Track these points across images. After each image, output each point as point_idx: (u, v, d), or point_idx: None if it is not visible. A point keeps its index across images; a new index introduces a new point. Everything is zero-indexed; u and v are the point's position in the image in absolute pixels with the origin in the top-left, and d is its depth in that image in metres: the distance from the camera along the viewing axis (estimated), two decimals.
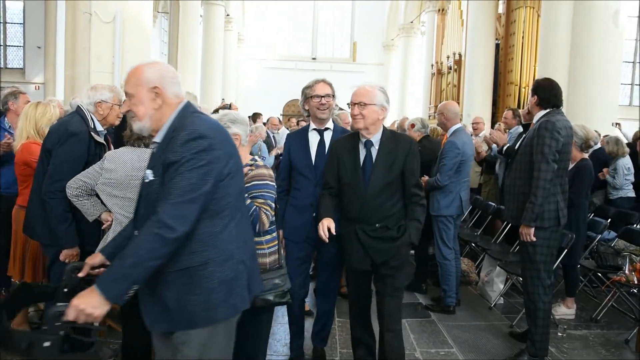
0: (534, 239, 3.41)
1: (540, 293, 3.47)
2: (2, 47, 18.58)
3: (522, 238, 3.46)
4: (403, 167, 2.75)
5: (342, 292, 4.35)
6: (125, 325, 2.81)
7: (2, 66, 18.20)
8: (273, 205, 2.59)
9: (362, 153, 2.81)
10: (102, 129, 3.15)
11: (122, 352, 2.78)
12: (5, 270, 3.64)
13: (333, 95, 3.19)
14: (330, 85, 3.19)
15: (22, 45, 18.14)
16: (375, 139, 2.79)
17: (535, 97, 3.52)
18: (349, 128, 4.04)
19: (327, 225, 2.66)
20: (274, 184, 2.64)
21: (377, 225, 2.74)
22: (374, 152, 2.81)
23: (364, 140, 2.81)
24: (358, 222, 2.77)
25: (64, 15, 8.65)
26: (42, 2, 16.38)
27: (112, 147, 3.29)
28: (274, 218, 2.63)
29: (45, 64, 16.88)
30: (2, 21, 18.56)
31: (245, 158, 2.57)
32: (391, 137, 2.82)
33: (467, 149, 4.47)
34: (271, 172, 2.65)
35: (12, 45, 18.57)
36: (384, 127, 2.84)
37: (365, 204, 2.74)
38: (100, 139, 3.07)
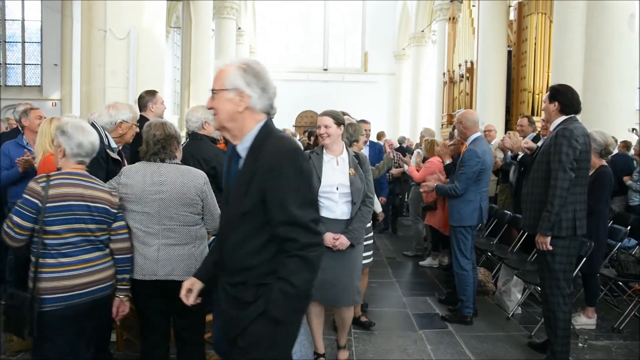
0: (550, 248, 3.37)
1: (559, 303, 3.42)
2: (22, 65, 18.95)
3: (538, 247, 3.42)
4: (264, 192, 1.74)
5: (362, 320, 4.34)
6: (143, 338, 2.82)
7: (21, 84, 18.57)
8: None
9: (233, 170, 1.94)
10: (116, 146, 3.22)
11: None
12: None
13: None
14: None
15: (39, 63, 18.53)
16: (243, 146, 1.85)
17: (556, 103, 3.48)
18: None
19: None
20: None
21: (236, 279, 1.85)
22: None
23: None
24: (222, 270, 1.95)
25: (79, 33, 8.79)
26: (58, 21, 16.72)
27: (126, 162, 3.34)
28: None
29: (61, 80, 17.20)
30: (20, 41, 18.93)
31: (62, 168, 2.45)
32: (259, 145, 1.80)
33: (487, 157, 4.40)
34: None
35: (30, 64, 18.97)
36: (264, 127, 1.83)
37: (223, 243, 1.91)
38: (115, 156, 3.12)
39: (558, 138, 3.35)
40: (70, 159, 2.44)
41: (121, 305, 2.58)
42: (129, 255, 2.57)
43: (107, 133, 3.17)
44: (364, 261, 3.81)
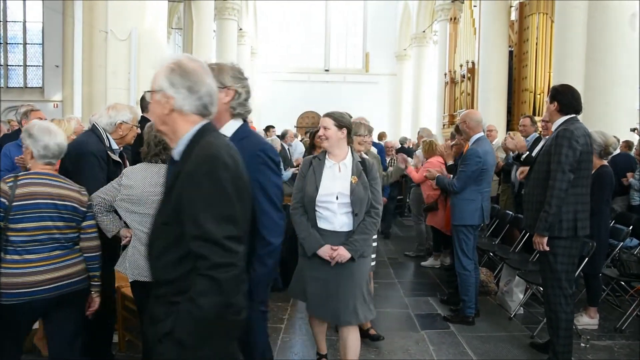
0: (547, 249, 3.38)
1: (562, 303, 3.42)
2: (23, 67, 19.01)
3: (535, 247, 3.42)
4: (181, 201, 1.57)
5: (371, 333, 4.06)
6: (146, 339, 2.82)
7: (22, 85, 18.63)
8: None
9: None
10: (117, 148, 3.22)
11: None
12: None
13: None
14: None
15: (41, 64, 18.59)
16: (177, 150, 1.71)
17: (556, 103, 3.48)
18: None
19: None
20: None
21: (157, 291, 1.70)
22: None
23: None
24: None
25: (81, 34, 8.83)
26: (60, 23, 16.77)
27: (127, 164, 3.35)
28: None
29: (63, 82, 17.28)
30: (22, 42, 18.98)
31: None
32: (190, 150, 1.64)
33: (489, 158, 4.39)
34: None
35: (31, 65, 19.03)
36: (199, 130, 1.68)
37: (147, 252, 1.77)
38: (116, 157, 3.12)
39: (558, 139, 3.34)
40: (38, 160, 2.52)
41: (92, 301, 2.63)
42: (97, 254, 2.62)
43: (108, 135, 3.17)
44: None
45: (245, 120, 2.29)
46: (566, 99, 3.47)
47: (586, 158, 3.40)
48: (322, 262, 3.03)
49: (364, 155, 3.10)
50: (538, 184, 3.47)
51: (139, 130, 3.34)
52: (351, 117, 3.43)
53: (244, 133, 2.22)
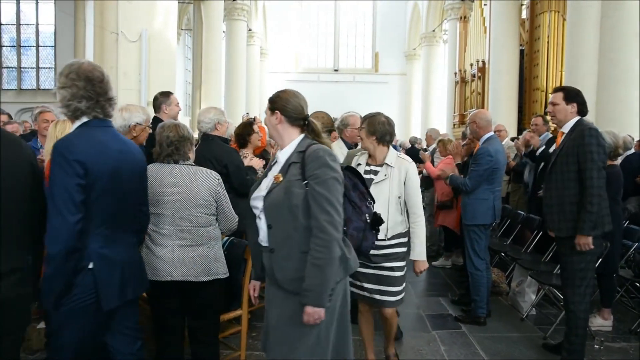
0: (593, 247, 3.34)
1: (581, 302, 3.40)
2: (36, 69, 19.21)
3: (581, 249, 3.35)
4: None
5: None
6: (158, 338, 2.84)
7: (35, 87, 18.83)
8: None
9: None
10: None
11: None
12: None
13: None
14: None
15: (53, 67, 18.77)
16: None
17: (575, 105, 3.48)
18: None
19: None
20: None
21: None
22: None
23: None
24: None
25: (92, 36, 8.89)
26: (72, 25, 16.92)
27: None
28: None
29: None
30: (34, 45, 19.17)
31: None
32: None
33: (500, 157, 4.38)
34: None
35: (44, 67, 19.21)
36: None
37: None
38: None
39: (586, 138, 3.31)
40: None
41: None
42: None
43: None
44: (391, 298, 3.17)
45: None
46: (583, 100, 3.50)
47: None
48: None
49: (321, 146, 2.14)
50: (564, 185, 3.40)
51: (151, 131, 3.36)
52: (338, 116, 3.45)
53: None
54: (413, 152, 9.72)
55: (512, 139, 7.69)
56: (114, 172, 2.09)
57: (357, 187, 2.43)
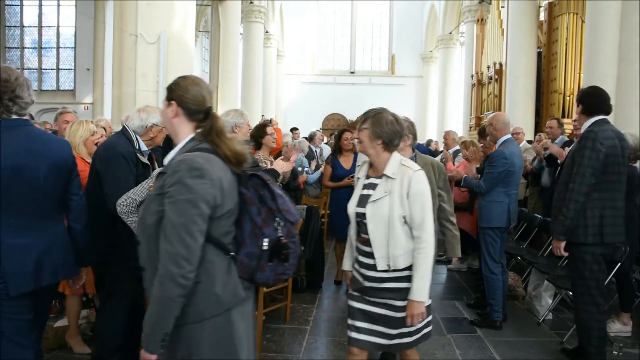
0: (565, 254, 3.33)
1: (592, 311, 3.35)
2: (56, 70, 19.55)
3: (554, 252, 3.36)
4: None
5: None
6: None
7: (55, 88, 19.16)
8: None
9: None
10: (147, 149, 3.28)
11: None
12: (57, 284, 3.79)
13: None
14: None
15: (73, 68, 19.09)
16: None
17: (581, 106, 3.45)
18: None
19: None
20: None
21: None
22: None
23: None
24: None
25: (111, 38, 9.01)
26: (91, 27, 17.20)
27: (156, 165, 3.41)
28: None
29: (94, 84, 17.72)
30: (55, 46, 19.50)
31: None
32: None
33: (516, 160, 4.35)
34: None
35: (64, 69, 19.55)
36: None
37: None
38: (145, 159, 3.19)
39: (582, 141, 3.29)
40: None
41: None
42: None
43: (137, 137, 3.23)
44: (405, 340, 2.56)
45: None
46: (590, 100, 3.42)
47: (614, 161, 3.30)
48: None
49: (191, 155, 1.74)
50: (563, 189, 3.40)
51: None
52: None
53: None
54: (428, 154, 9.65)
55: (529, 142, 7.62)
56: (17, 169, 2.20)
57: (265, 202, 1.83)
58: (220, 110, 14.26)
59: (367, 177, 2.64)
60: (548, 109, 11.49)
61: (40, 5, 19.53)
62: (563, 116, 10.18)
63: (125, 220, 2.82)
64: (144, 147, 3.26)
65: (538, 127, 11.41)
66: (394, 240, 2.45)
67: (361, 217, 2.53)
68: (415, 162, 3.03)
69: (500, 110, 12.35)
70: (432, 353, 3.92)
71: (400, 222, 2.45)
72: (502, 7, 13.65)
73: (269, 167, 4.34)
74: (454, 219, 3.52)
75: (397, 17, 24.69)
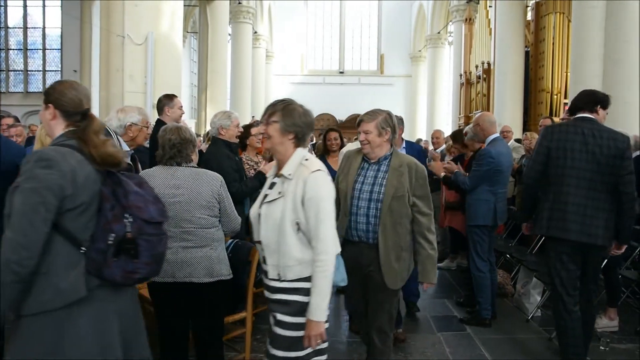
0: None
1: (559, 309, 3.37)
2: (42, 72, 19.36)
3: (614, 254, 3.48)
4: None
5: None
6: (163, 339, 2.85)
7: (42, 90, 18.97)
8: None
9: None
10: (129, 150, 3.27)
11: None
12: None
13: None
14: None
15: (59, 69, 18.90)
16: None
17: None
18: None
19: None
20: None
21: None
22: None
23: None
24: None
25: (98, 39, 8.94)
26: (78, 28, 17.03)
27: (139, 166, 3.40)
28: None
29: None
30: (41, 48, 19.32)
31: None
32: None
33: (503, 159, 4.36)
34: None
35: (50, 70, 19.35)
36: None
37: None
38: (127, 160, 3.17)
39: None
40: None
41: None
42: None
43: (119, 137, 3.22)
44: None
45: None
46: (576, 99, 3.51)
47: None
48: None
49: (46, 149, 1.84)
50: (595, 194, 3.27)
51: (149, 132, 3.39)
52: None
53: None
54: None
55: (517, 141, 7.67)
56: None
57: (118, 199, 1.83)
58: (209, 111, 14.22)
59: (275, 175, 2.37)
60: (536, 107, 11.57)
61: (25, 6, 19.32)
62: (551, 114, 10.27)
63: None
64: (125, 147, 3.25)
65: (526, 126, 11.50)
66: (284, 248, 2.18)
67: (257, 218, 2.30)
68: (391, 159, 2.92)
69: (489, 109, 12.43)
70: (422, 352, 3.94)
71: (293, 228, 2.17)
72: (489, 6, 13.74)
73: (254, 168, 4.32)
74: (431, 236, 2.90)
75: (386, 17, 24.75)
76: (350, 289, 2.86)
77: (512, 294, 5.27)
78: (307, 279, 2.18)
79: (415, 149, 4.90)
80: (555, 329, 3.46)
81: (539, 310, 4.73)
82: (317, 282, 2.15)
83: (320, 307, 2.15)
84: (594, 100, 3.45)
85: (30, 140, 5.35)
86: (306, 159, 2.26)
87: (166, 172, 2.72)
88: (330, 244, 2.18)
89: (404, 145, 4.53)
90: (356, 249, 2.89)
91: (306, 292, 2.18)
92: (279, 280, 2.22)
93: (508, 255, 5.68)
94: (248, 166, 4.40)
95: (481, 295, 4.44)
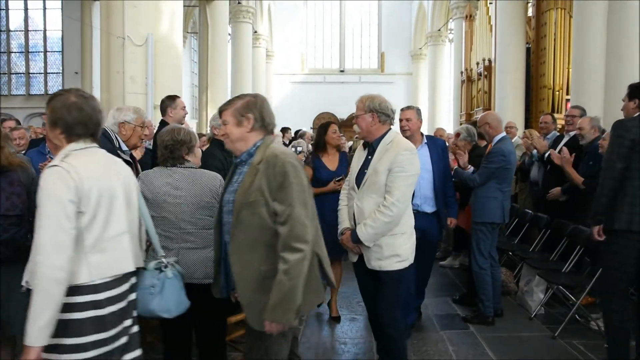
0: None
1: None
2: (44, 74, 19.39)
3: None
4: None
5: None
6: (165, 340, 2.86)
7: (43, 93, 19.01)
8: None
9: None
10: (127, 149, 3.27)
11: None
12: None
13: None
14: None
15: (60, 72, 18.92)
16: None
17: (636, 100, 3.52)
18: None
19: None
20: None
21: None
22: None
23: None
24: None
25: (98, 41, 8.94)
26: (78, 30, 17.05)
27: (139, 166, 3.40)
28: None
29: (82, 88, 17.50)
30: (42, 50, 19.35)
31: None
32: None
33: (512, 158, 4.43)
34: None
35: (52, 73, 19.36)
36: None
37: None
38: (127, 157, 3.17)
39: None
40: None
41: None
42: None
43: (117, 135, 3.23)
44: None
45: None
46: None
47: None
48: None
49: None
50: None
51: (144, 132, 3.40)
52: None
53: None
54: None
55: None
56: None
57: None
58: (210, 111, 14.22)
59: None
60: (537, 104, 11.54)
61: (26, 9, 19.35)
62: (553, 111, 10.23)
63: None
64: (124, 147, 3.26)
65: (528, 123, 11.47)
66: None
67: None
68: (255, 154, 2.24)
69: (490, 106, 12.40)
70: (425, 350, 3.93)
71: None
72: (490, 3, 13.69)
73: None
74: (289, 255, 2.05)
75: (386, 15, 24.70)
76: None
77: (515, 292, 5.26)
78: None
79: (439, 145, 4.30)
80: (605, 335, 3.42)
81: (542, 308, 4.72)
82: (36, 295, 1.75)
83: (43, 330, 1.73)
84: None
85: (32, 143, 5.35)
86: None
87: (165, 173, 2.73)
88: (47, 251, 1.77)
89: (425, 141, 4.14)
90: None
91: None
92: None
93: (511, 253, 5.67)
94: None
95: (483, 292, 4.44)
